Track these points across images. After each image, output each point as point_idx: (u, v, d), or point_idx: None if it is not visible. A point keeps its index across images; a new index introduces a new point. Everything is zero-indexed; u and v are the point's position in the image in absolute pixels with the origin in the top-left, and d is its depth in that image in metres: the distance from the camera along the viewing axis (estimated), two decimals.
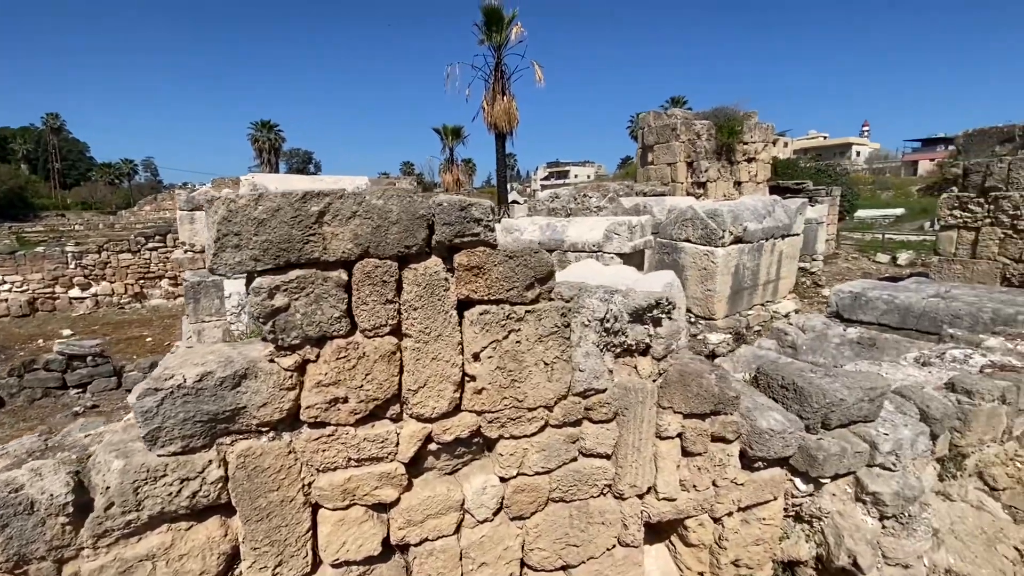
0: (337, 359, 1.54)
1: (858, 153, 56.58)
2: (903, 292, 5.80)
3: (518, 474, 1.86)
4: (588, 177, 59.47)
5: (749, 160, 12.75)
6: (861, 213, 24.08)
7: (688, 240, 7.47)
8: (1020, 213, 7.05)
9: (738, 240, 7.24)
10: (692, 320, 7.66)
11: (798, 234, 8.10)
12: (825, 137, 60.62)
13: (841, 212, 24.36)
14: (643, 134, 13.46)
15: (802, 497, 1.90)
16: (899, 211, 24.79)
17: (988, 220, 7.38)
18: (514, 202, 19.17)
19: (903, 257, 13.21)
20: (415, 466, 1.76)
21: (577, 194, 11.68)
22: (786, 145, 58.80)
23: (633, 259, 7.45)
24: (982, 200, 7.44)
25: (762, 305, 8.04)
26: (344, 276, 1.52)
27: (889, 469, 1.87)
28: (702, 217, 7.22)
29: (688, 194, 12.72)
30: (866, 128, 66.84)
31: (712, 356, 6.66)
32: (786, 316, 7.84)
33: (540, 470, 1.87)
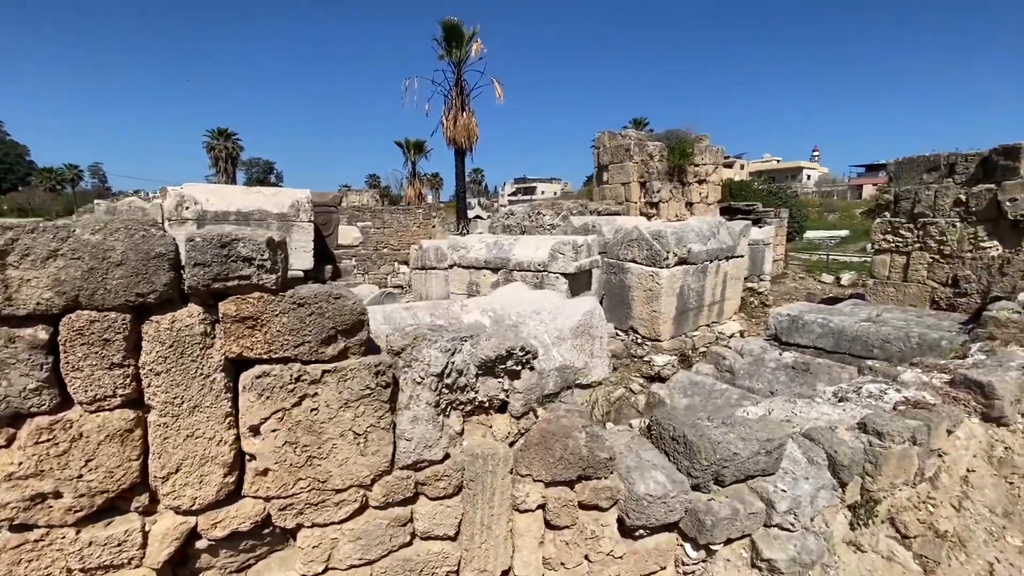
0: (38, 443, 1.22)
1: (808, 177, 59.50)
2: (837, 316, 5.87)
3: (327, 569, 1.53)
4: (555, 193, 60.14)
5: (700, 182, 13.00)
6: (810, 234, 25.09)
7: (634, 261, 7.43)
8: (945, 239, 7.31)
9: (683, 261, 7.24)
10: (639, 341, 7.58)
11: (742, 256, 8.19)
12: (779, 161, 63.52)
13: (790, 233, 25.29)
14: (599, 154, 13.58)
15: (693, 565, 1.71)
16: (844, 232, 25.95)
17: (917, 245, 7.62)
18: (477, 217, 19.02)
19: (846, 278, 13.68)
20: (186, 567, 1.42)
21: (531, 211, 11.60)
22: (743, 167, 61.35)
23: (579, 279, 7.34)
24: (912, 226, 7.69)
25: (708, 326, 8.06)
26: (45, 334, 1.21)
27: (787, 530, 1.71)
28: (647, 238, 7.19)
29: (642, 214, 12.84)
30: (816, 153, 70.48)
31: (658, 379, 6.56)
32: (731, 337, 7.87)
33: (357, 562, 1.55)
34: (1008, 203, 6.58)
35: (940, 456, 2.36)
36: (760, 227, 12.73)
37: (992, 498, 2.37)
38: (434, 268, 8.44)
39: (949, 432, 2.38)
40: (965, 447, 2.45)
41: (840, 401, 2.63)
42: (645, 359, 7.44)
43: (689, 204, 12.99)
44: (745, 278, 11.81)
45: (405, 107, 17.32)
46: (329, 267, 8.30)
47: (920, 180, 7.83)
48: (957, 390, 2.73)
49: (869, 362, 5.37)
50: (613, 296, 7.87)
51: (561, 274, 6.91)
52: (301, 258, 10.43)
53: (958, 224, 7.20)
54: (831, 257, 18.16)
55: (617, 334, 7.74)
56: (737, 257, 8.07)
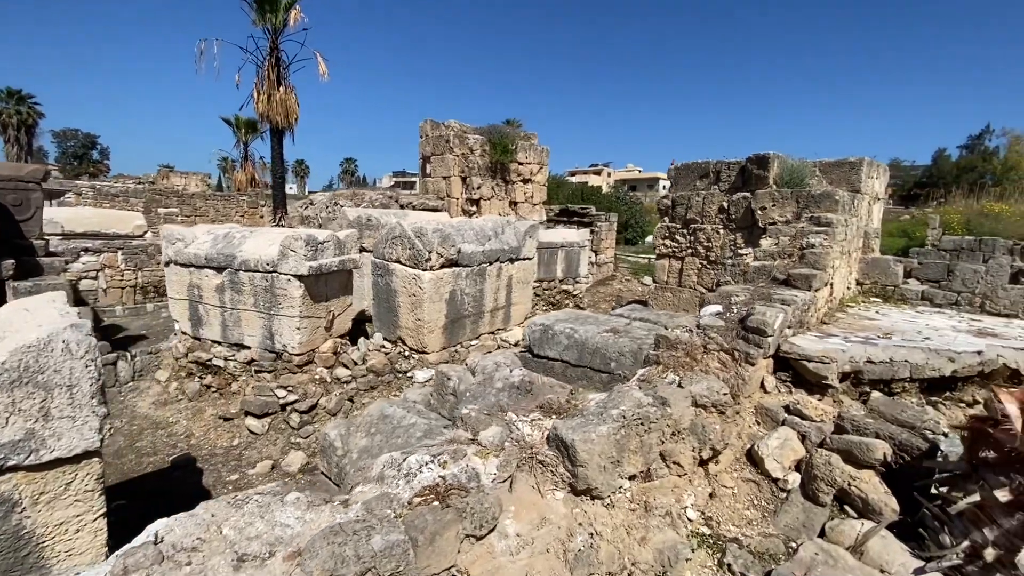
0: None
1: (664, 186, 65.29)
2: (585, 325, 5.39)
3: None
4: None
5: (525, 181, 12.55)
6: (650, 239, 26.74)
7: (399, 261, 6.41)
8: (711, 245, 7.31)
9: (452, 263, 6.40)
10: (406, 354, 6.59)
11: (530, 258, 7.62)
12: (640, 171, 68.73)
13: (634, 237, 26.72)
14: (422, 144, 12.51)
15: None
16: None
17: (690, 251, 7.58)
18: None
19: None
20: None
21: (329, 202, 10.14)
22: (609, 175, 65.38)
23: (327, 282, 6.12)
24: (685, 231, 7.64)
25: (492, 333, 7.37)
26: None
27: None
28: (409, 236, 6.20)
29: (463, 211, 12.03)
30: (673, 164, 77.73)
31: None
32: (515, 345, 7.27)
33: None
34: (759, 211, 6.66)
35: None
36: (579, 229, 12.64)
37: None
38: (171, 263, 6.63)
39: (478, 537, 1.55)
40: (517, 547, 1.65)
41: (378, 482, 1.70)
42: (408, 374, 6.48)
43: (513, 203, 12.48)
44: (560, 280, 11.57)
45: (200, 73, 14.50)
46: (10, 261, 6.08)
47: (694, 186, 7.81)
48: (551, 449, 1.99)
49: (604, 376, 4.92)
50: (382, 302, 6.80)
51: (293, 275, 5.63)
52: None
53: (721, 231, 7.25)
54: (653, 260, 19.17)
55: (383, 346, 6.68)
56: (524, 260, 7.47)
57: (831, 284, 4.06)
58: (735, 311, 3.16)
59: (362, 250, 7.63)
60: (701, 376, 2.53)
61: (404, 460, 1.77)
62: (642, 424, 2.05)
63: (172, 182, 28.02)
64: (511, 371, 4.63)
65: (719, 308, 3.20)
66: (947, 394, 3.34)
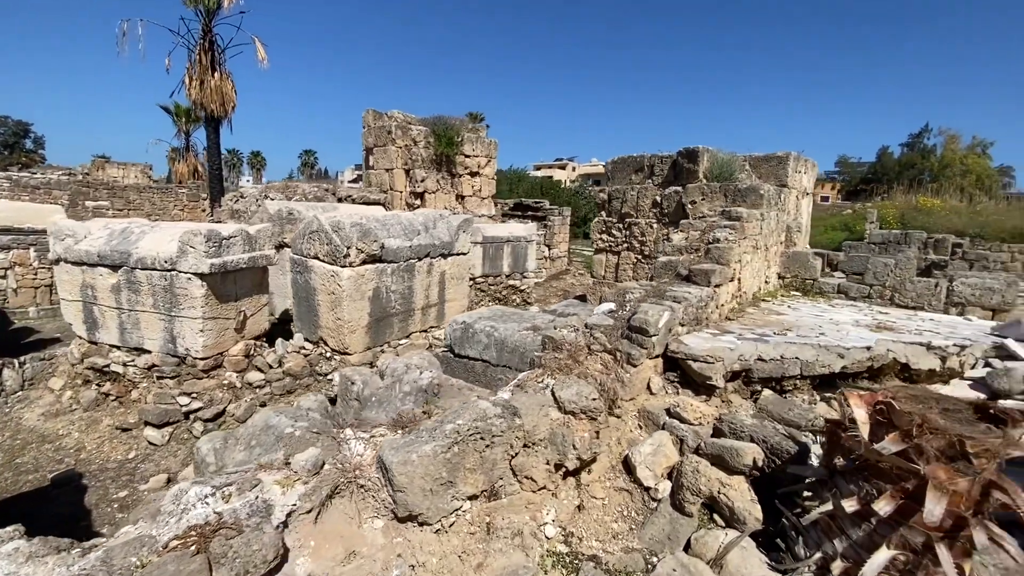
0: None
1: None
2: (506, 323, 5.20)
3: None
4: None
5: (473, 174, 12.28)
6: None
7: (317, 258, 6.06)
8: (646, 239, 7.24)
9: (375, 259, 6.09)
10: (328, 355, 6.27)
11: (464, 253, 7.39)
12: (604, 165, 69.13)
13: (582, 231, 26.80)
14: (364, 135, 12.05)
15: None
16: None
17: (626, 245, 7.49)
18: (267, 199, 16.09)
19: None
20: None
21: (260, 195, 9.62)
22: (574, 169, 65.57)
23: (237, 280, 5.72)
24: (621, 225, 7.54)
25: (423, 332, 7.11)
26: None
27: None
28: (326, 231, 5.86)
29: (407, 205, 11.67)
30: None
31: (334, 401, 5.25)
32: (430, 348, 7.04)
33: None
34: (689, 205, 6.61)
35: None
36: (527, 224, 12.48)
37: None
38: (61, 261, 6.05)
39: None
40: None
41: (152, 518, 1.43)
42: (328, 377, 6.16)
43: (461, 197, 12.19)
44: (507, 275, 11.39)
45: (122, 56, 13.52)
46: None
47: (629, 180, 7.72)
48: (377, 472, 1.77)
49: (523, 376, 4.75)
50: (301, 301, 6.44)
51: (194, 274, 5.22)
52: None
53: (655, 225, 7.18)
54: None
55: (303, 348, 6.32)
56: (458, 255, 7.23)
57: (738, 279, 4.00)
58: (628, 309, 3.02)
59: (283, 246, 7.22)
60: (573, 380, 2.37)
61: (186, 493, 1.52)
62: (481, 439, 1.86)
63: (108, 173, 26.37)
64: (421, 373, 4.40)
65: (612, 306, 3.05)
66: (840, 389, 3.29)
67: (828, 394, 3.30)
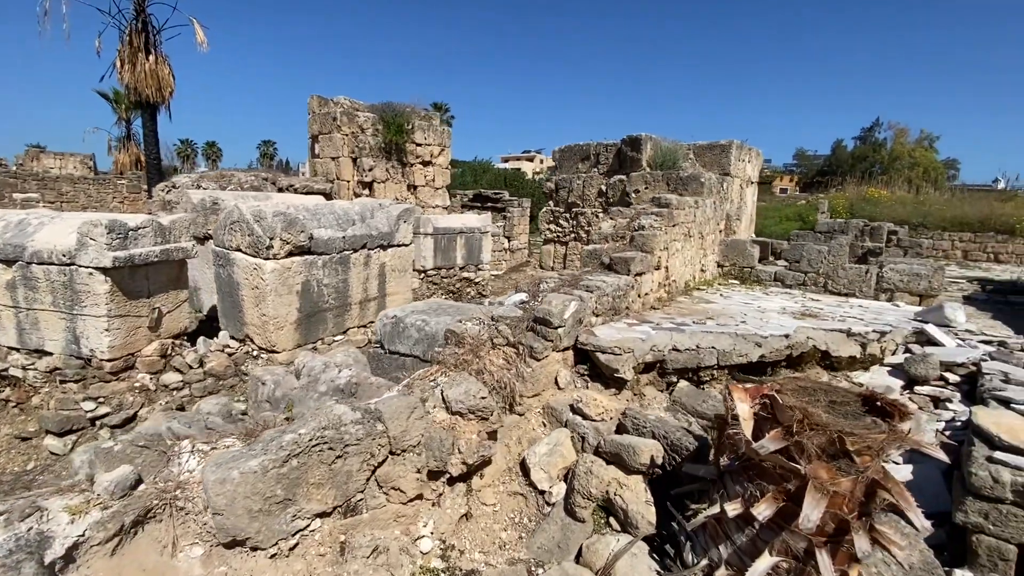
0: None
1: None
2: (440, 316, 4.97)
3: None
4: None
5: (425, 163, 11.91)
6: None
7: (239, 249, 5.67)
8: (591, 229, 7.08)
9: (303, 250, 5.75)
10: (255, 353, 5.90)
11: (406, 244, 7.09)
12: (551, 154, 69.18)
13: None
14: (310, 122, 11.53)
15: None
16: None
17: (573, 235, 7.33)
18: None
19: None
20: None
21: (192, 184, 9.06)
22: (542, 162, 65.41)
23: (150, 273, 5.30)
24: (568, 215, 7.37)
25: (362, 327, 6.80)
26: None
27: None
28: (247, 221, 5.47)
29: (355, 195, 11.24)
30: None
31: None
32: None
33: None
34: (633, 194, 6.49)
35: None
36: (482, 214, 12.23)
37: None
38: None
39: None
40: None
41: None
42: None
43: (413, 187, 11.82)
44: (461, 268, 11.13)
45: (45, 36, 12.53)
46: None
47: (576, 169, 7.55)
48: (204, 490, 1.52)
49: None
50: (225, 296, 6.03)
51: (95, 268, 4.78)
52: None
53: (601, 214, 7.03)
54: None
55: (228, 346, 5.93)
56: (399, 246, 6.93)
57: (666, 267, 3.88)
58: (540, 299, 2.83)
59: (208, 237, 6.77)
60: (463, 378, 2.17)
61: None
62: (330, 449, 1.64)
63: (44, 164, 24.69)
64: (339, 372, 4.12)
65: (524, 296, 2.86)
66: (761, 378, 3.20)
67: (749, 384, 3.20)
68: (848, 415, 1.58)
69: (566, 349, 2.69)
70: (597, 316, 2.92)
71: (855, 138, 41.32)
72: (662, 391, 2.88)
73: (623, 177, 6.72)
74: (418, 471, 1.85)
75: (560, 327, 2.53)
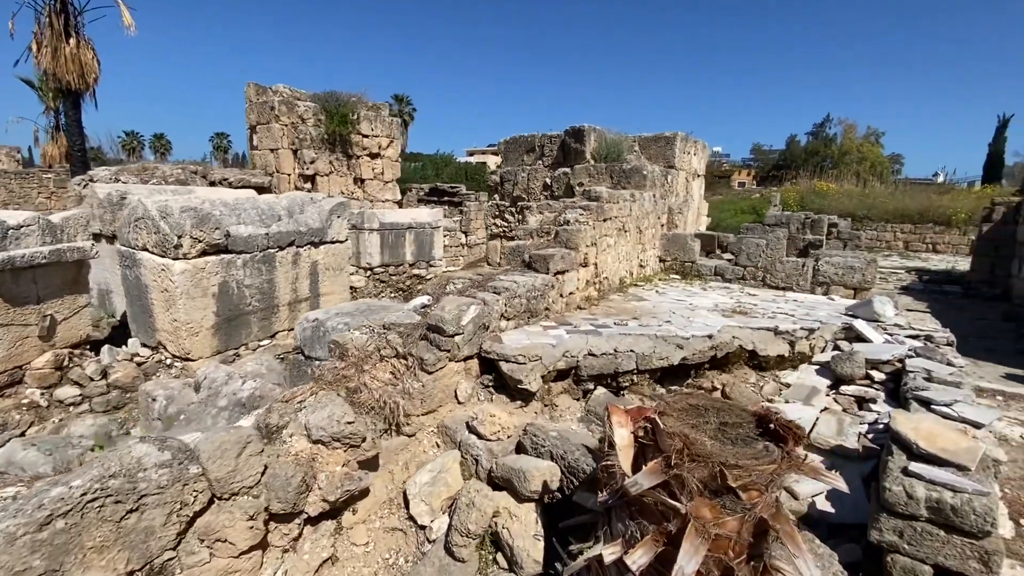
0: None
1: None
2: (368, 318, 4.62)
3: None
4: None
5: (373, 156, 11.41)
6: None
7: (146, 249, 5.15)
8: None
9: (219, 249, 5.28)
10: (168, 362, 5.41)
11: (340, 240, 6.68)
12: (497, 145, 69.32)
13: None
14: (247, 111, 10.85)
15: None
16: None
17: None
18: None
19: None
20: None
21: (110, 177, 8.33)
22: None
23: (38, 276, 4.74)
24: (514, 209, 7.08)
25: (292, 331, 6.37)
26: None
27: None
28: (153, 217, 4.97)
29: (296, 189, 10.65)
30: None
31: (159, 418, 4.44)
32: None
33: None
34: (578, 187, 6.27)
35: None
36: (433, 209, 11.84)
37: None
38: None
39: None
40: None
41: None
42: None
43: (360, 180, 11.31)
44: (411, 264, 10.73)
45: None
46: None
47: (522, 162, 7.26)
48: None
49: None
50: (134, 300, 5.50)
51: None
52: None
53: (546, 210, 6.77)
54: None
55: (137, 355, 5.41)
56: (333, 243, 6.51)
57: (595, 264, 3.67)
58: (436, 304, 2.54)
59: (116, 236, 6.18)
60: (328, 400, 1.87)
61: None
62: (118, 502, 1.32)
63: None
64: (243, 384, 3.73)
65: (426, 300, 2.57)
66: (689, 381, 3.02)
67: (676, 387, 3.02)
68: (739, 439, 1.37)
69: (468, 358, 2.42)
70: (508, 320, 2.67)
71: (808, 133, 42.69)
72: (578, 399, 2.65)
73: (567, 170, 6.50)
74: (251, 517, 1.55)
75: (457, 335, 2.26)
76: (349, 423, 1.80)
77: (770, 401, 2.81)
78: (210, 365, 4.56)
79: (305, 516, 1.74)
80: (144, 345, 5.54)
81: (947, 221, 15.35)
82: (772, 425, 1.39)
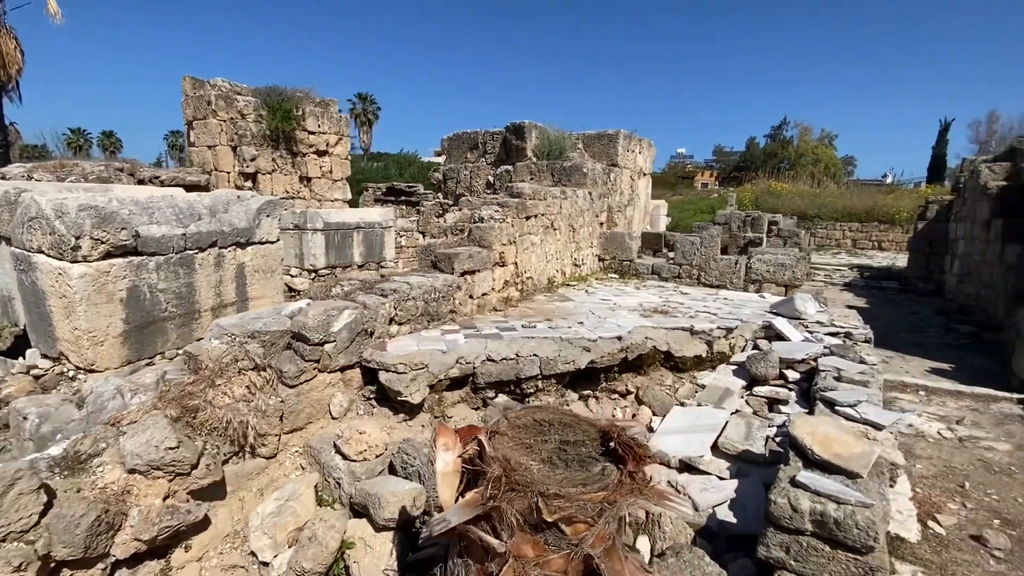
0: None
1: None
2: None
3: None
4: None
5: (320, 153, 11.00)
6: None
7: (42, 251, 4.72)
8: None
9: (126, 251, 4.88)
10: (71, 374, 4.97)
11: (271, 241, 6.32)
12: (441, 142, 69.46)
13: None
14: (183, 106, 10.29)
15: None
16: None
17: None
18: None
19: None
20: None
21: (23, 174, 7.70)
22: None
23: None
24: (457, 208, 6.83)
25: None
26: None
27: None
28: (47, 216, 4.54)
29: (236, 187, 10.15)
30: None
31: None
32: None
33: None
34: (519, 185, 6.08)
35: None
36: (385, 208, 11.52)
37: None
38: None
39: None
40: None
41: None
42: (64, 402, 4.88)
43: (306, 179, 10.89)
44: (360, 266, 10.38)
45: None
46: None
47: (465, 159, 7.03)
48: None
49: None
50: (32, 307, 5.04)
51: None
52: None
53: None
54: None
55: (35, 367, 4.96)
56: (263, 243, 6.14)
57: (515, 263, 3.50)
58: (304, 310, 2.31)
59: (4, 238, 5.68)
60: (151, 423, 1.63)
61: None
62: None
63: None
64: (131, 398, 3.40)
65: (304, 304, 2.33)
66: (603, 385, 2.87)
67: (587, 391, 2.87)
68: (578, 460, 1.21)
69: (346, 368, 2.20)
70: (401, 324, 2.46)
71: (766, 135, 43.94)
72: (476, 409, 2.47)
73: (509, 167, 6.33)
74: (20, 568, 1.29)
75: (327, 342, 2.04)
76: (170, 448, 1.56)
77: (682, 405, 2.69)
78: (99, 379, 4.17)
79: (113, 559, 1.49)
80: (45, 356, 5.08)
81: (891, 220, 15.94)
82: (612, 444, 1.24)
